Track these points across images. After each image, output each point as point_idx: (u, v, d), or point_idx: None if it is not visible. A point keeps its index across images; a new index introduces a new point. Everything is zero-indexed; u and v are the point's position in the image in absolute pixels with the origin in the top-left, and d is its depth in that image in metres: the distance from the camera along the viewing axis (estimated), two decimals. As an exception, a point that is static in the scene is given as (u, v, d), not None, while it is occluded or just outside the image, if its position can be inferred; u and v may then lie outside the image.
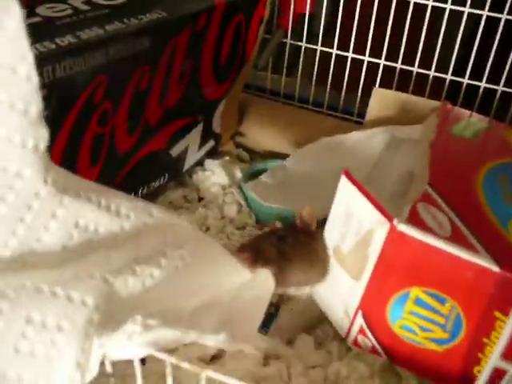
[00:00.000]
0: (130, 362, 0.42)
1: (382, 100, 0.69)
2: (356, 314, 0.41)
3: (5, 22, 0.29)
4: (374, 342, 0.41)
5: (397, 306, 0.39)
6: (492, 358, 0.36)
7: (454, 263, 0.36)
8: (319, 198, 0.47)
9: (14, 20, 0.30)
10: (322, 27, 0.72)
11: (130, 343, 0.30)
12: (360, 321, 0.41)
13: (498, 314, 0.36)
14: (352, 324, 0.42)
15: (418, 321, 0.39)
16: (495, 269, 0.35)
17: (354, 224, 0.40)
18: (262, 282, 0.40)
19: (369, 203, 0.39)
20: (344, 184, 0.41)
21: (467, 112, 0.61)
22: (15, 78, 0.30)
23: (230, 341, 0.33)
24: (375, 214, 0.38)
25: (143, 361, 0.45)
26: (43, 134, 0.32)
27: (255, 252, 0.43)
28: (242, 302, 0.36)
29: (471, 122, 0.58)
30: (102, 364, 0.34)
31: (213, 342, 0.33)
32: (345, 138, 0.65)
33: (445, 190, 0.43)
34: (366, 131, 0.64)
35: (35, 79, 0.31)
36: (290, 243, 0.45)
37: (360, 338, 0.42)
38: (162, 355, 0.31)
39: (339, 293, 0.43)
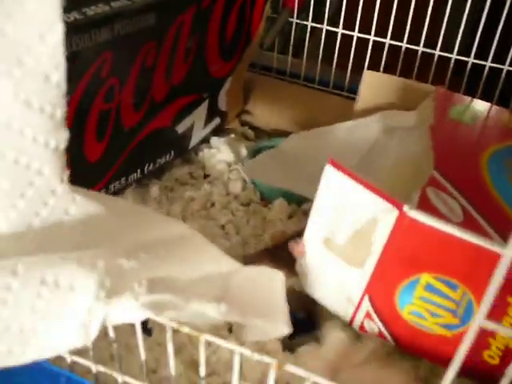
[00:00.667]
0: (134, 332, 0.43)
1: (373, 83, 0.68)
2: (362, 299, 0.41)
3: (48, 38, 0.31)
4: (381, 327, 0.41)
5: (406, 291, 0.38)
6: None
7: (468, 250, 0.35)
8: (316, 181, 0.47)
9: (57, 36, 0.31)
10: (328, 7, 0.72)
11: (133, 305, 0.31)
12: (366, 306, 0.41)
13: (511, 299, 0.36)
14: (357, 310, 0.41)
15: (428, 306, 0.38)
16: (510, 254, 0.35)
17: (349, 215, 0.39)
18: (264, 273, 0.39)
19: (368, 192, 0.38)
20: (330, 175, 0.39)
21: (462, 96, 0.60)
22: (47, 84, 0.32)
23: (230, 312, 0.34)
24: (377, 202, 0.37)
25: (149, 332, 0.46)
26: (64, 136, 0.34)
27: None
28: (237, 284, 0.37)
29: (467, 105, 0.58)
30: (106, 332, 0.36)
31: (214, 311, 0.34)
32: (338, 127, 0.64)
33: (451, 174, 0.43)
34: (360, 120, 0.64)
35: (63, 86, 0.33)
36: None
37: (366, 323, 0.41)
38: (162, 319, 0.32)
39: (337, 281, 0.42)
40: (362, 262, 0.39)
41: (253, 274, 0.39)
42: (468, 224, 0.37)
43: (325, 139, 0.63)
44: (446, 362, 0.40)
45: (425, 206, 0.38)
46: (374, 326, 0.41)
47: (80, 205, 0.36)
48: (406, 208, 0.36)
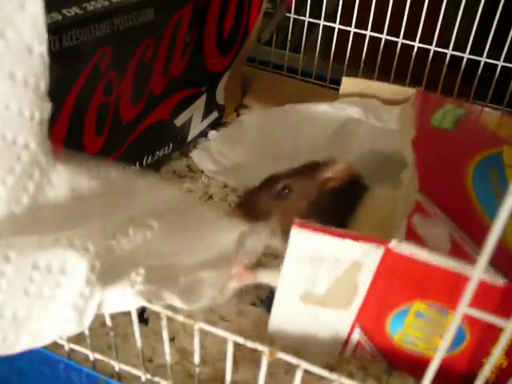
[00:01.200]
0: (131, 322, 0.44)
1: (351, 89, 0.68)
2: (351, 331, 0.40)
3: (28, 7, 0.32)
4: (375, 352, 0.41)
5: (397, 319, 0.39)
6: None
7: (457, 279, 0.35)
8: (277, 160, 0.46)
9: (37, 6, 0.32)
10: (324, 3, 0.73)
11: (129, 293, 0.32)
12: (357, 336, 0.40)
13: None
14: (347, 342, 0.41)
15: (419, 333, 0.39)
16: (499, 282, 0.35)
17: (327, 266, 0.38)
18: (255, 236, 0.40)
19: (345, 240, 0.36)
20: (298, 236, 0.37)
21: (444, 98, 0.60)
22: (31, 56, 0.33)
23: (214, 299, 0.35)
24: (357, 247, 0.36)
25: (146, 322, 0.47)
26: (48, 107, 0.34)
27: (247, 210, 0.41)
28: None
29: (447, 109, 0.57)
30: (103, 321, 0.37)
31: (195, 307, 0.35)
32: (312, 108, 0.64)
33: (436, 195, 0.42)
34: (335, 104, 0.64)
35: (47, 57, 0.33)
36: (292, 197, 0.43)
37: (358, 352, 0.41)
38: (157, 308, 0.33)
39: (319, 327, 0.41)
40: (349, 303, 0.39)
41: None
42: (456, 251, 0.37)
43: (294, 119, 0.64)
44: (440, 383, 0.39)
45: (411, 236, 0.37)
46: (367, 353, 0.41)
47: (64, 176, 0.36)
48: (391, 244, 0.36)
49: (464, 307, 0.23)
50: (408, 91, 0.65)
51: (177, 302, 0.33)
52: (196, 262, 0.37)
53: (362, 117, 0.62)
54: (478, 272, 0.23)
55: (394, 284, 0.37)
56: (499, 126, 0.57)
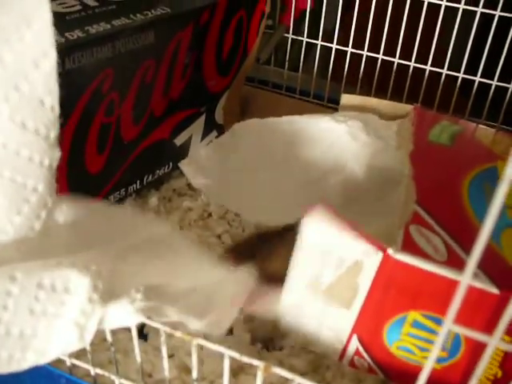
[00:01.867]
0: (131, 338, 0.45)
1: (351, 105, 0.68)
2: (350, 338, 0.41)
3: (42, 65, 0.34)
4: (371, 362, 0.41)
5: (394, 328, 0.39)
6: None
7: (452, 287, 0.34)
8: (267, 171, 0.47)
9: (50, 63, 0.34)
10: (322, 23, 0.74)
11: (129, 309, 0.33)
12: (355, 344, 0.41)
13: None
14: (346, 347, 0.41)
15: (416, 341, 0.39)
16: (494, 291, 0.35)
17: (333, 259, 0.39)
18: (238, 279, 0.41)
19: (351, 236, 0.37)
20: (311, 222, 0.38)
21: (440, 114, 0.61)
22: (42, 108, 0.35)
23: (212, 327, 0.36)
24: (361, 245, 0.37)
25: (145, 337, 0.48)
26: (57, 155, 0.36)
27: (239, 255, 0.42)
28: (220, 296, 0.39)
29: (444, 125, 0.58)
30: (104, 337, 0.38)
31: (196, 325, 0.36)
32: (309, 120, 0.63)
33: (433, 207, 0.43)
34: (334, 116, 0.63)
35: (57, 109, 0.35)
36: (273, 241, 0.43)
37: (356, 359, 0.42)
38: (156, 324, 0.34)
39: (323, 322, 0.41)
40: (349, 303, 0.39)
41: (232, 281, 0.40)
42: (452, 262, 0.37)
43: (280, 135, 0.63)
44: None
45: (409, 246, 0.38)
46: (364, 362, 0.41)
47: (67, 213, 0.38)
48: (390, 251, 0.36)
49: (449, 323, 0.24)
50: (406, 107, 0.66)
51: (177, 317, 0.34)
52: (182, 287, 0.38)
53: (360, 131, 0.62)
54: (466, 278, 0.24)
55: (391, 292, 0.38)
56: (493, 142, 0.58)
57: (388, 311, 0.39)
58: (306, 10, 0.75)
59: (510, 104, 0.68)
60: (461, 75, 0.70)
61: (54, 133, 0.36)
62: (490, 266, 0.36)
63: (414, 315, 0.38)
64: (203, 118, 0.65)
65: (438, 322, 0.38)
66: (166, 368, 0.36)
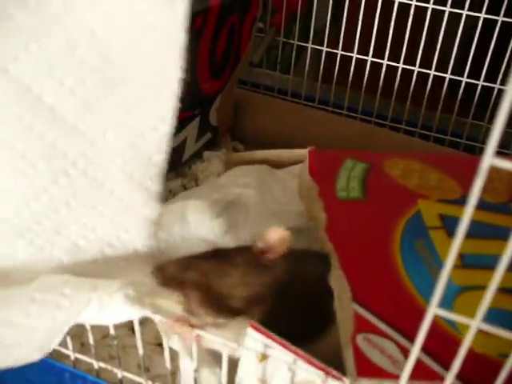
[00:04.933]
0: (129, 334, 0.47)
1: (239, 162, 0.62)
2: None
3: (159, 128, 0.40)
4: None
5: None
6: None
7: None
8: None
9: (167, 126, 0.41)
10: (312, 26, 0.76)
11: (126, 303, 0.35)
12: None
13: None
14: None
15: None
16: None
17: (282, 372, 0.35)
18: None
19: (299, 358, 0.33)
20: (253, 336, 0.34)
21: (339, 153, 0.55)
22: (149, 163, 0.40)
23: None
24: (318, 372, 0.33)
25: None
26: (157, 208, 0.42)
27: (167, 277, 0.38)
28: None
29: (348, 167, 0.52)
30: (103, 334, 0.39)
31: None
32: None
33: (372, 298, 0.38)
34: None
35: (163, 165, 0.41)
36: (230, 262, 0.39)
37: None
38: (156, 317, 0.35)
39: None
40: None
41: None
42: (414, 373, 0.30)
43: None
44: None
45: (363, 366, 0.34)
46: None
47: None
48: (347, 382, 0.33)
49: None
50: (301, 152, 0.59)
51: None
52: None
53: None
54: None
55: None
56: (404, 172, 0.54)
57: None
58: (296, 14, 0.77)
59: (495, 103, 0.71)
60: (448, 76, 0.72)
61: (155, 187, 0.41)
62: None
63: None
64: (197, 120, 0.66)
65: None
66: (167, 359, 0.37)
